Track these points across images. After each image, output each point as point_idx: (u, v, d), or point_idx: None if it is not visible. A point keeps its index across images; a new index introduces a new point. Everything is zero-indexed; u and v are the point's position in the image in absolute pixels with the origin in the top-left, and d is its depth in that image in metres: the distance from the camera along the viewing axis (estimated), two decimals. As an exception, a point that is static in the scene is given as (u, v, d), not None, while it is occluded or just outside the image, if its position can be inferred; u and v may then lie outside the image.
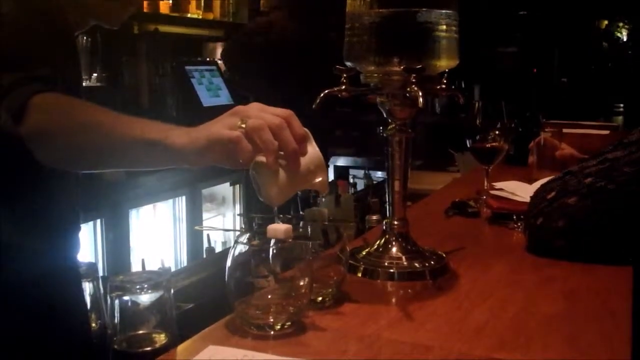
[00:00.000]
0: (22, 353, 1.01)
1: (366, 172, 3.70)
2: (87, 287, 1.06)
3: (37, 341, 1.01)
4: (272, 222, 0.98)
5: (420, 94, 1.05)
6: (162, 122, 0.96)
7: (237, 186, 3.85)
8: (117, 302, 0.91)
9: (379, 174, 3.83)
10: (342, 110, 4.26)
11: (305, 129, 0.93)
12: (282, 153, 0.91)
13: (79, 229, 1.21)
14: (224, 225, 3.82)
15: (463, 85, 4.10)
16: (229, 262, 0.93)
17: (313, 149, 0.94)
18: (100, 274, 1.16)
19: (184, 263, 3.38)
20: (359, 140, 4.38)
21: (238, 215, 3.64)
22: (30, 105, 0.94)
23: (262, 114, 0.91)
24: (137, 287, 0.91)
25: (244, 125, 0.89)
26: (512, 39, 5.96)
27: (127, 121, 0.97)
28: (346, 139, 4.41)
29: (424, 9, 1.11)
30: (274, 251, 0.94)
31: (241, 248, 0.93)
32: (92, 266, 1.02)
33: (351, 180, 3.73)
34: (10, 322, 1.01)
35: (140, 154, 0.95)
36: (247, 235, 0.98)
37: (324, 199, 1.67)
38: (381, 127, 1.23)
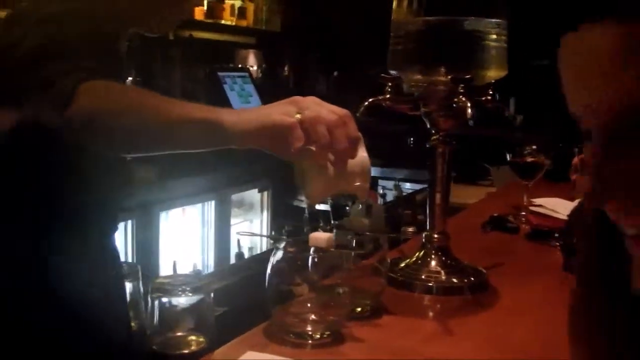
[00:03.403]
0: (65, 350, 1.01)
1: (396, 183, 3.67)
2: (128, 287, 1.06)
3: (78, 339, 1.01)
4: (302, 230, 0.96)
5: (469, 105, 1.03)
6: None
7: (265, 193, 3.84)
8: (156, 303, 0.90)
9: (408, 186, 3.79)
10: (370, 119, 4.24)
11: (359, 133, 0.92)
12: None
13: (117, 228, 1.21)
14: (251, 230, 3.82)
15: (497, 96, 4.05)
16: (268, 269, 0.91)
17: (362, 154, 0.93)
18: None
19: (211, 266, 3.38)
20: (388, 150, 4.35)
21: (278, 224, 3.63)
22: (79, 91, 0.95)
23: (319, 108, 0.89)
24: (178, 289, 0.90)
25: (299, 116, 0.88)
26: (545, 52, 5.89)
27: (177, 102, 0.97)
28: (374, 149, 4.37)
29: (472, 18, 1.09)
30: (314, 259, 0.93)
31: (281, 255, 0.92)
32: (134, 267, 1.02)
33: (380, 191, 3.70)
34: (53, 320, 1.01)
35: (189, 133, 0.94)
36: (287, 242, 0.97)
37: (360, 206, 1.66)
38: (411, 138, 1.21)
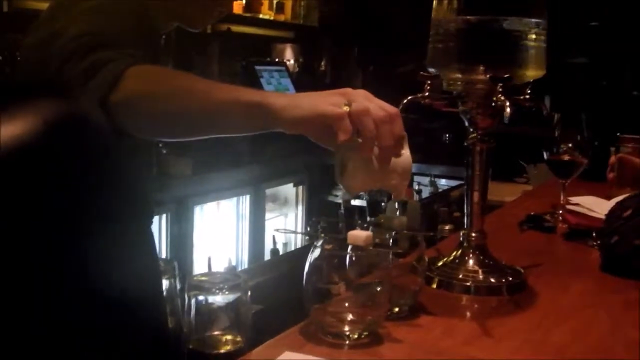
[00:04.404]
0: (103, 347, 1.03)
1: (432, 179, 3.66)
2: (164, 284, 1.07)
3: (116, 336, 1.02)
4: (337, 226, 0.97)
5: (507, 104, 1.03)
6: None
7: (300, 187, 3.85)
8: (193, 301, 0.91)
9: (443, 182, 3.78)
10: (408, 116, 4.22)
11: (405, 132, 0.92)
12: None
13: (152, 222, 1.22)
14: (285, 225, 3.84)
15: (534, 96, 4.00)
16: (306, 267, 0.92)
17: (406, 153, 0.93)
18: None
19: (246, 262, 3.40)
20: (423, 146, 4.33)
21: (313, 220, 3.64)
22: (126, 74, 0.96)
23: (368, 102, 0.90)
24: (216, 287, 0.91)
25: (347, 108, 0.89)
26: (582, 50, 5.80)
27: (224, 85, 0.98)
28: (411, 145, 4.35)
29: (512, 17, 1.09)
30: (352, 258, 0.93)
31: (318, 253, 0.93)
32: (170, 262, 1.03)
33: (416, 187, 3.69)
34: (91, 314, 1.02)
35: (236, 116, 0.95)
36: (324, 240, 0.97)
37: (395, 203, 1.65)
38: (447, 134, 1.21)
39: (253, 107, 0.92)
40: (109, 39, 1.04)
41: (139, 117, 0.98)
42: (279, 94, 0.94)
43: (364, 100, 0.90)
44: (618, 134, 2.13)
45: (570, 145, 1.60)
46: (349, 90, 0.93)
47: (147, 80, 0.99)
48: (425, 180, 3.71)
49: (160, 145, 2.73)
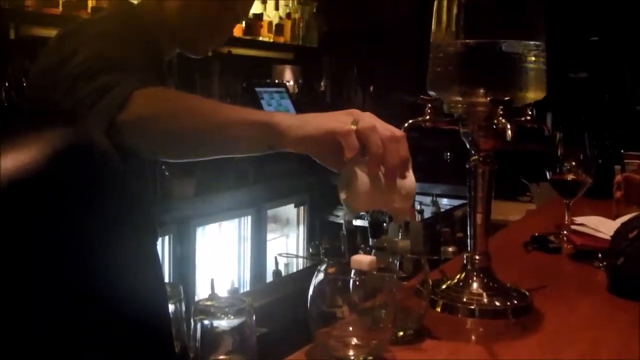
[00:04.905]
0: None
1: (434, 199, 3.65)
2: (170, 308, 1.07)
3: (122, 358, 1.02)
4: (339, 249, 0.97)
5: (509, 126, 1.03)
6: None
7: (302, 208, 3.85)
8: (199, 325, 0.91)
9: (446, 201, 3.77)
10: (410, 134, 4.23)
11: (409, 155, 0.92)
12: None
13: (156, 243, 1.22)
14: (287, 245, 3.83)
15: (534, 113, 4.00)
16: (310, 291, 0.92)
17: (410, 176, 0.93)
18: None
19: (248, 283, 3.39)
20: (425, 165, 4.33)
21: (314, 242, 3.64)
22: (133, 96, 0.97)
23: (375, 122, 0.91)
24: (222, 312, 0.91)
25: (354, 126, 0.89)
26: (583, 65, 5.80)
27: (231, 106, 1.00)
28: (412, 164, 4.34)
29: (510, 40, 1.09)
30: (356, 282, 0.93)
31: (322, 277, 0.92)
32: (176, 287, 1.03)
33: (418, 207, 3.69)
34: (96, 338, 1.02)
35: (242, 135, 0.95)
36: (328, 263, 0.97)
37: (399, 226, 1.65)
38: (448, 153, 1.21)
39: (260, 126, 0.93)
40: (117, 63, 1.06)
41: (147, 137, 0.99)
42: (286, 113, 0.95)
43: (371, 120, 0.91)
44: (622, 151, 2.13)
45: (573, 163, 1.60)
46: (355, 110, 0.94)
47: (155, 101, 1.01)
48: (427, 199, 3.71)
49: (163, 167, 2.74)
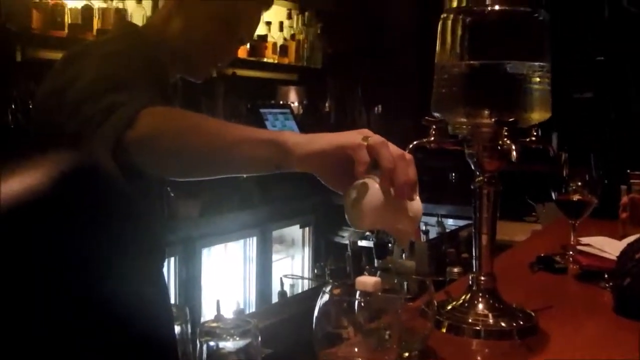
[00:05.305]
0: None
1: (439, 219, 3.64)
2: (176, 329, 1.07)
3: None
4: (344, 269, 0.96)
5: (513, 147, 1.03)
6: None
7: (307, 229, 3.85)
8: (205, 347, 0.91)
9: (451, 222, 3.76)
10: (416, 155, 4.23)
11: (417, 178, 0.92)
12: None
13: (163, 264, 1.23)
14: (292, 266, 3.83)
15: (539, 133, 4.01)
16: (315, 312, 0.91)
17: (417, 201, 0.93)
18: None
19: (253, 304, 3.38)
20: (430, 186, 4.33)
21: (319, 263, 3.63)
22: (140, 115, 0.97)
23: (385, 142, 0.90)
24: (227, 333, 0.90)
25: (365, 142, 0.89)
26: (588, 85, 5.81)
27: (238, 125, 0.99)
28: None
29: (515, 61, 1.10)
30: (361, 303, 0.92)
31: (327, 298, 0.92)
32: (182, 309, 1.03)
33: (423, 228, 3.68)
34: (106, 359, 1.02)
35: (249, 153, 0.95)
36: (333, 285, 0.97)
37: (403, 250, 1.65)
38: (453, 174, 1.21)
39: (267, 144, 0.93)
40: (122, 82, 1.07)
41: (154, 155, 0.99)
42: (293, 132, 0.95)
43: (381, 139, 0.91)
44: (628, 171, 2.12)
45: (579, 184, 1.60)
46: (365, 130, 0.93)
47: (162, 119, 1.01)
48: (433, 220, 3.70)
49: (168, 188, 2.75)
